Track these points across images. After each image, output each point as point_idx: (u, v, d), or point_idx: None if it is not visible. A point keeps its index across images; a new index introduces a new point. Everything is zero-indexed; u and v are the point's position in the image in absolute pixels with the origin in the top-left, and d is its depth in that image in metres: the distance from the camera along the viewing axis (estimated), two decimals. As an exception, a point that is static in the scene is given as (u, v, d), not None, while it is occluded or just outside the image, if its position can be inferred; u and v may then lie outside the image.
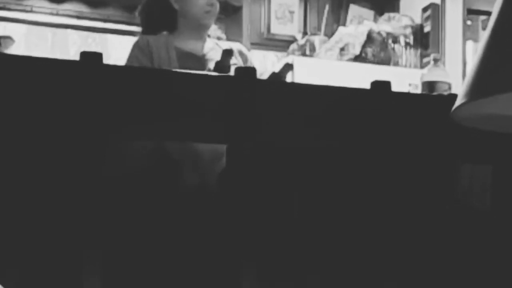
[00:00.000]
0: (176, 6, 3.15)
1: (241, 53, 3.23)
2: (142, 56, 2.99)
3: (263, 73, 3.59)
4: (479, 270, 2.33)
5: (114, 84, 1.99)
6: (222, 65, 2.74)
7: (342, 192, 2.25)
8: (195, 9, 3.14)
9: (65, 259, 2.00)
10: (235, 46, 3.27)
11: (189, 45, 3.12)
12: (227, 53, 2.79)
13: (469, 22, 5.05)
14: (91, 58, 1.97)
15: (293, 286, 2.20)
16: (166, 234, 2.17)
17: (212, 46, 3.17)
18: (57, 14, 5.13)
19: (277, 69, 2.70)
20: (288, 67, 2.68)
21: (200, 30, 3.16)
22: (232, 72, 2.79)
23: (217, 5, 3.17)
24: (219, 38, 3.37)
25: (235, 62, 3.13)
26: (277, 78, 2.66)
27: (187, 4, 3.13)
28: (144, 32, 3.22)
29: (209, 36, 3.23)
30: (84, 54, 1.97)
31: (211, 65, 3.05)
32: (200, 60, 3.07)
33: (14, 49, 4.39)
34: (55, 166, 2.02)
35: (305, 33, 5.36)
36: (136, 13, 3.29)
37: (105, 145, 1.97)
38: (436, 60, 3.00)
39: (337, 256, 2.23)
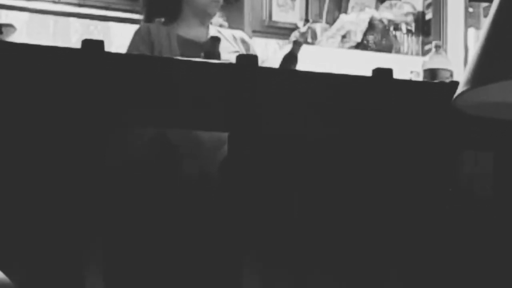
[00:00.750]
0: None
1: (243, 41, 3.22)
2: (142, 45, 2.98)
3: (265, 61, 3.59)
4: (482, 257, 2.34)
5: (115, 72, 1.99)
6: (211, 52, 2.73)
7: (344, 180, 2.26)
8: None
9: (67, 248, 2.00)
10: (237, 34, 3.26)
11: (191, 32, 3.11)
12: (215, 40, 2.78)
13: (471, 9, 5.04)
14: (93, 46, 1.97)
15: (294, 273, 2.21)
16: (167, 223, 2.18)
17: (214, 34, 3.17)
18: (58, 2, 5.11)
19: (287, 50, 2.69)
20: (298, 44, 2.67)
21: (204, 18, 3.16)
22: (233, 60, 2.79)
23: None
24: (221, 26, 3.37)
25: (237, 49, 3.12)
26: (291, 58, 2.65)
27: None
28: (146, 19, 3.21)
29: (211, 23, 3.23)
30: (85, 42, 1.97)
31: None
32: (202, 48, 3.06)
33: (16, 37, 4.38)
34: (56, 154, 2.02)
35: (306, 21, 5.34)
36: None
37: (106, 134, 1.97)
38: (437, 48, 3.00)
39: (339, 246, 2.24)
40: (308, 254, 2.21)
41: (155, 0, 3.21)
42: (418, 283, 2.28)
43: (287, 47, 4.60)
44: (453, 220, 2.29)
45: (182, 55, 2.86)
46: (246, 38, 3.27)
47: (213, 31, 3.18)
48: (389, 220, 2.18)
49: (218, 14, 3.37)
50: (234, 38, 3.21)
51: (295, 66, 2.70)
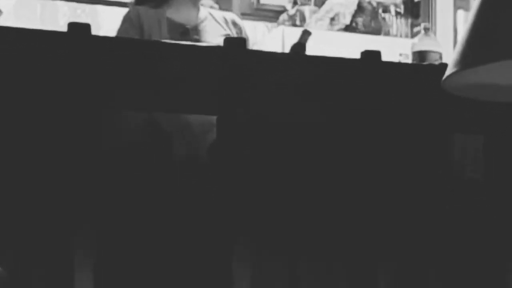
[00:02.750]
0: None
1: (234, 24, 3.20)
2: (131, 29, 2.96)
3: (254, 44, 3.57)
4: (473, 239, 2.34)
5: (102, 55, 1.98)
6: (300, 45, 2.71)
7: (334, 164, 2.25)
8: None
9: (57, 234, 1.99)
10: (229, 16, 3.24)
11: (182, 15, 3.09)
12: (306, 34, 2.76)
13: (460, -9, 5.03)
14: (79, 30, 1.96)
15: (286, 259, 2.21)
16: (156, 206, 2.17)
17: (206, 16, 3.14)
18: (45, -15, 5.09)
19: (296, 39, 2.67)
20: (307, 33, 2.65)
21: (195, 0, 3.14)
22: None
23: None
24: (211, 7, 3.35)
25: (228, 32, 3.11)
26: (299, 47, 2.64)
27: None
28: (135, 1, 3.18)
29: (202, 5, 3.20)
30: (71, 25, 1.96)
31: (207, 38, 3.03)
32: (192, 32, 3.04)
33: (3, 21, 4.35)
34: (44, 140, 2.01)
35: (295, 3, 5.32)
36: None
37: (94, 118, 1.96)
38: (426, 30, 3.00)
39: (330, 231, 2.24)
40: (299, 239, 2.21)
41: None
42: (410, 267, 2.28)
43: (276, 30, 4.59)
44: (444, 204, 2.29)
45: (171, 39, 2.84)
46: (238, 20, 3.25)
47: (204, 12, 3.16)
48: (380, 204, 2.18)
49: (208, -5, 3.35)
50: (225, 20, 3.19)
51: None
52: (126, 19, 3.00)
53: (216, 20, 3.14)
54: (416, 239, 2.28)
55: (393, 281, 2.22)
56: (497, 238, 2.33)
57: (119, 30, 2.99)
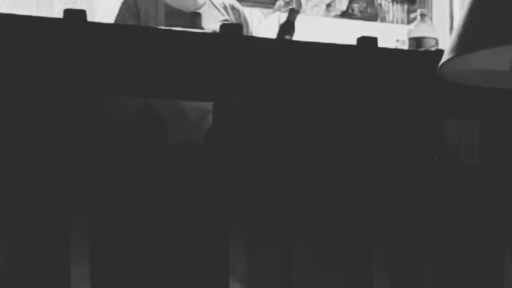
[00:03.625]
0: None
1: (233, 8, 3.18)
2: (129, 16, 2.95)
3: (254, 28, 3.57)
4: (467, 224, 2.35)
5: (98, 42, 1.98)
6: (289, 23, 2.70)
7: (329, 149, 2.25)
8: None
9: (52, 217, 1.99)
10: (227, 1, 3.23)
11: (180, 0, 3.07)
12: (294, 12, 2.76)
13: (456, -23, 5.03)
14: (75, 16, 1.95)
15: (279, 241, 2.21)
16: (153, 193, 2.17)
17: (204, 1, 3.13)
18: (41, -29, 5.08)
19: (283, 18, 2.68)
20: (295, 11, 2.66)
21: None
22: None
23: None
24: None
25: (227, 18, 3.10)
26: (288, 25, 2.64)
27: None
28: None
29: None
30: (67, 12, 1.95)
31: (205, 23, 3.02)
32: (190, 17, 3.03)
33: (-2, 8, 4.35)
34: (37, 124, 2.01)
35: (291, -11, 5.33)
36: None
37: (89, 104, 1.96)
38: (423, 16, 2.99)
39: (324, 211, 2.24)
40: (294, 221, 2.21)
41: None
42: (402, 246, 2.29)
43: (272, 16, 4.59)
44: (440, 188, 2.30)
45: (168, 25, 2.83)
46: (237, 4, 3.23)
47: (202, -3, 3.15)
48: (376, 187, 2.18)
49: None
50: (224, 5, 3.17)
51: (292, 34, 2.69)
52: (124, 6, 2.99)
53: (214, 5, 3.13)
54: (410, 222, 2.29)
55: (388, 265, 2.22)
56: (492, 222, 2.33)
57: (117, 17, 2.98)
